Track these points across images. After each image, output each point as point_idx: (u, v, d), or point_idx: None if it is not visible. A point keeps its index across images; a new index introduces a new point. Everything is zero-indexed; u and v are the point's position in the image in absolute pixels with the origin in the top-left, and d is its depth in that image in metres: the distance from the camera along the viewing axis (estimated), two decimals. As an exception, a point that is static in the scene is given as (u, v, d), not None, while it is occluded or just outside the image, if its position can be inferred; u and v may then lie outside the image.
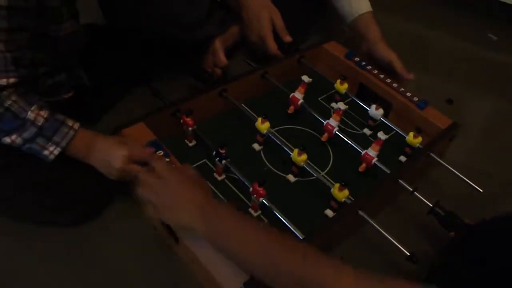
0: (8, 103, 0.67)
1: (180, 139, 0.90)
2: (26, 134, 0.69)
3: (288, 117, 1.00)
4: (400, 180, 0.83)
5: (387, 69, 1.09)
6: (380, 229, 0.75)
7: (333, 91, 1.04)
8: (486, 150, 1.10)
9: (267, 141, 0.91)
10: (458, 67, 1.37)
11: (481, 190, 0.84)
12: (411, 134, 0.91)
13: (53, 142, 0.70)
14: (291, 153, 0.84)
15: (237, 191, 0.84)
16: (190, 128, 0.86)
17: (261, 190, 0.75)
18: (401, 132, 0.95)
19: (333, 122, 0.92)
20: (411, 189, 0.82)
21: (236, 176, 0.81)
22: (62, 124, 0.71)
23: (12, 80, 0.67)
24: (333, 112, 0.94)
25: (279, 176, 0.88)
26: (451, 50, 1.45)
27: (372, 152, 0.87)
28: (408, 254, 0.73)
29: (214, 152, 0.81)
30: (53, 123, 0.70)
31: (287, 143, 0.90)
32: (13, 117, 0.67)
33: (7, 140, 0.69)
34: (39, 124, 0.69)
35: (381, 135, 0.87)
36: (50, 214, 0.79)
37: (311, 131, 0.99)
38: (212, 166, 0.87)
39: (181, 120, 0.86)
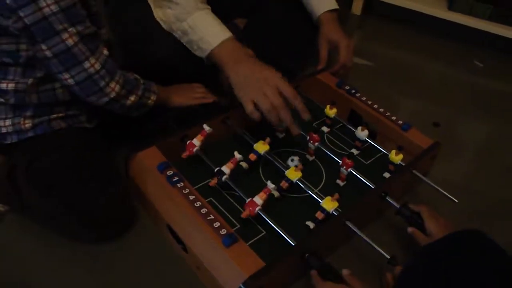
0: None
1: (186, 162, 0.99)
2: (140, 91, 0.92)
3: (285, 142, 1.11)
4: (383, 194, 0.93)
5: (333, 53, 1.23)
6: (363, 236, 0.84)
7: (325, 118, 1.15)
8: (474, 170, 1.20)
9: (265, 162, 1.02)
10: (446, 92, 1.48)
11: (456, 201, 0.93)
12: (393, 151, 1.01)
13: (153, 92, 0.96)
14: (285, 170, 0.95)
15: (237, 205, 0.94)
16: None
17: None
18: (386, 152, 1.05)
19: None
20: (396, 204, 0.92)
21: (236, 193, 0.92)
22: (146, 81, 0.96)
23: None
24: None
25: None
26: (441, 76, 1.57)
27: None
28: (389, 257, 0.82)
29: (215, 170, 0.92)
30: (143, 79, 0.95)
31: (282, 162, 1.01)
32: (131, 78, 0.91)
33: (127, 102, 0.91)
34: (142, 81, 0.94)
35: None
36: (81, 232, 0.88)
37: (305, 153, 1.09)
38: (216, 186, 0.97)
39: (187, 143, 0.97)
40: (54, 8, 0.76)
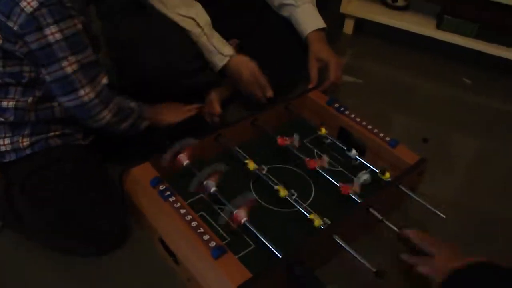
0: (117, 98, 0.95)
1: (179, 177, 1.00)
2: (133, 119, 0.98)
3: (275, 157, 1.14)
4: (370, 209, 0.96)
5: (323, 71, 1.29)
6: (349, 250, 0.87)
7: (317, 134, 1.19)
8: (464, 185, 1.22)
9: (256, 179, 1.06)
10: (436, 108, 1.51)
11: (444, 216, 0.96)
12: (379, 173, 1.05)
13: (146, 118, 1.02)
14: (274, 186, 0.98)
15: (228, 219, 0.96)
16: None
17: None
18: (376, 169, 1.07)
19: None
20: (380, 217, 0.95)
21: (224, 206, 0.94)
22: (139, 105, 1.03)
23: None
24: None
25: (264, 207, 1.02)
26: (430, 93, 1.60)
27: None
28: (374, 270, 0.84)
29: (204, 182, 0.95)
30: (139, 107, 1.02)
31: (273, 179, 1.04)
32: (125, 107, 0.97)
33: (120, 127, 0.96)
34: (136, 109, 1.00)
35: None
36: (77, 246, 0.91)
37: (295, 169, 1.13)
38: (207, 199, 1.00)
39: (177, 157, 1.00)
40: (58, 36, 0.81)
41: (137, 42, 1.11)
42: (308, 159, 1.06)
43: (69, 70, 0.83)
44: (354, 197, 0.99)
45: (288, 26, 1.33)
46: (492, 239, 1.06)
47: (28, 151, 0.92)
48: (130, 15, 1.16)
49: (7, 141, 0.91)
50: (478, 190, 1.20)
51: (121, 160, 1.01)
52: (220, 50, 1.18)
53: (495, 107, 1.56)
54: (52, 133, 0.94)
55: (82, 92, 0.86)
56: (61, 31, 0.81)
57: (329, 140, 1.17)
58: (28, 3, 0.78)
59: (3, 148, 0.91)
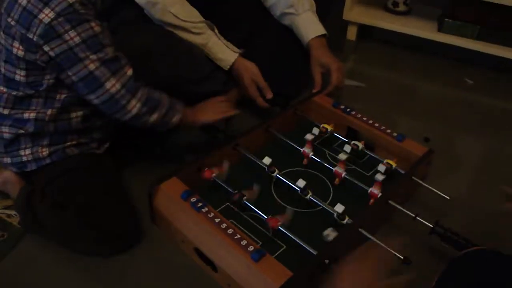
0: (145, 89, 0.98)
1: (202, 189, 1.05)
2: (164, 109, 1.00)
3: (292, 161, 1.19)
4: (389, 201, 1.02)
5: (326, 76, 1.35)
6: (377, 241, 0.92)
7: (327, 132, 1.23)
8: (468, 185, 1.24)
9: (276, 183, 1.11)
10: (438, 109, 1.55)
11: (448, 198, 1.02)
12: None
13: (177, 111, 1.03)
14: (297, 189, 1.03)
15: (256, 224, 1.02)
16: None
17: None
18: (383, 161, 1.13)
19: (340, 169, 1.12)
20: (399, 207, 1.01)
21: (253, 213, 1.00)
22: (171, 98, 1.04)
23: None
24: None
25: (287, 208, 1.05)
26: (432, 94, 1.65)
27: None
28: (402, 258, 0.90)
29: (235, 192, 1.00)
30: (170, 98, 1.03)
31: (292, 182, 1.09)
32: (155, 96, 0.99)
33: (150, 119, 0.98)
34: (167, 99, 1.02)
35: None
36: (93, 246, 0.97)
37: (314, 172, 1.18)
38: (233, 207, 1.05)
39: (204, 173, 1.05)
40: (77, 40, 0.87)
41: (148, 53, 1.17)
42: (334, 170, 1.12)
43: (92, 67, 0.89)
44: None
45: (290, 34, 1.39)
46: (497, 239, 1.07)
47: (47, 160, 0.99)
48: (140, 28, 1.23)
49: (27, 151, 0.98)
50: (482, 190, 1.22)
51: (134, 167, 1.09)
52: (229, 47, 1.28)
53: (497, 106, 1.61)
54: (69, 143, 1.00)
55: (108, 85, 0.91)
56: (79, 34, 0.87)
57: (338, 140, 1.23)
58: (46, 15, 0.85)
59: (24, 158, 0.98)
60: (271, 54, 1.34)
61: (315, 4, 1.40)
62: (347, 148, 1.17)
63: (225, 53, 1.28)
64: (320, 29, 1.36)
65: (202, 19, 1.26)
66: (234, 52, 1.28)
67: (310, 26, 1.35)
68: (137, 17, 1.26)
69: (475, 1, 1.63)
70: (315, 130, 1.20)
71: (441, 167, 1.23)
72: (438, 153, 1.18)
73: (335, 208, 0.99)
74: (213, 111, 1.15)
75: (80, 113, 0.99)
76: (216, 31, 1.28)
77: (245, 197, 1.00)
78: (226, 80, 1.29)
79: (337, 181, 1.13)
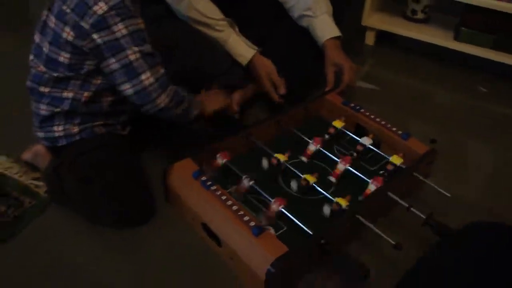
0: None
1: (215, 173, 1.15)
2: (186, 104, 1.09)
3: (296, 152, 1.25)
4: (389, 193, 1.08)
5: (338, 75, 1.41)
6: (371, 226, 0.98)
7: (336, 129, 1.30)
8: (480, 191, 1.27)
9: (285, 171, 1.18)
10: (450, 114, 1.59)
11: (449, 195, 1.07)
12: (394, 156, 1.17)
13: (195, 106, 1.13)
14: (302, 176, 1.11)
15: (260, 205, 1.09)
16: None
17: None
18: (388, 157, 1.20)
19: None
20: (396, 199, 1.07)
21: (259, 196, 1.07)
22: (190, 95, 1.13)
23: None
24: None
25: (292, 195, 1.14)
26: (445, 101, 1.69)
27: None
28: (394, 243, 0.96)
29: (243, 177, 1.08)
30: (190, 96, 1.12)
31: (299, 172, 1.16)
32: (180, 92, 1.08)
33: (175, 113, 1.07)
34: (187, 97, 1.10)
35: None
36: (114, 219, 1.06)
37: (317, 162, 1.25)
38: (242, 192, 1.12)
39: (218, 155, 1.14)
40: (124, 32, 0.97)
41: (174, 48, 1.27)
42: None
43: (133, 57, 0.98)
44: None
45: (303, 35, 1.47)
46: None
47: (77, 137, 1.08)
48: (167, 24, 1.34)
49: (60, 128, 1.07)
50: (494, 195, 1.25)
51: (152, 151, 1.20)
52: (248, 44, 1.37)
53: (509, 115, 1.63)
54: (97, 123, 1.10)
55: (143, 77, 1.00)
56: (126, 27, 0.97)
57: (347, 136, 1.30)
58: (100, 7, 0.95)
59: (57, 134, 1.08)
60: (282, 54, 1.42)
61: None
62: (366, 141, 1.24)
63: (244, 49, 1.37)
64: (335, 31, 1.43)
65: (223, 16, 1.35)
66: (252, 49, 1.37)
67: (325, 28, 1.43)
68: (163, 13, 1.37)
69: (491, 11, 1.67)
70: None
71: (448, 170, 1.28)
72: (446, 157, 1.21)
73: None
74: (216, 100, 1.24)
75: (110, 98, 1.09)
76: (237, 29, 1.38)
77: (252, 181, 1.08)
78: (243, 76, 1.37)
79: (337, 171, 1.19)
